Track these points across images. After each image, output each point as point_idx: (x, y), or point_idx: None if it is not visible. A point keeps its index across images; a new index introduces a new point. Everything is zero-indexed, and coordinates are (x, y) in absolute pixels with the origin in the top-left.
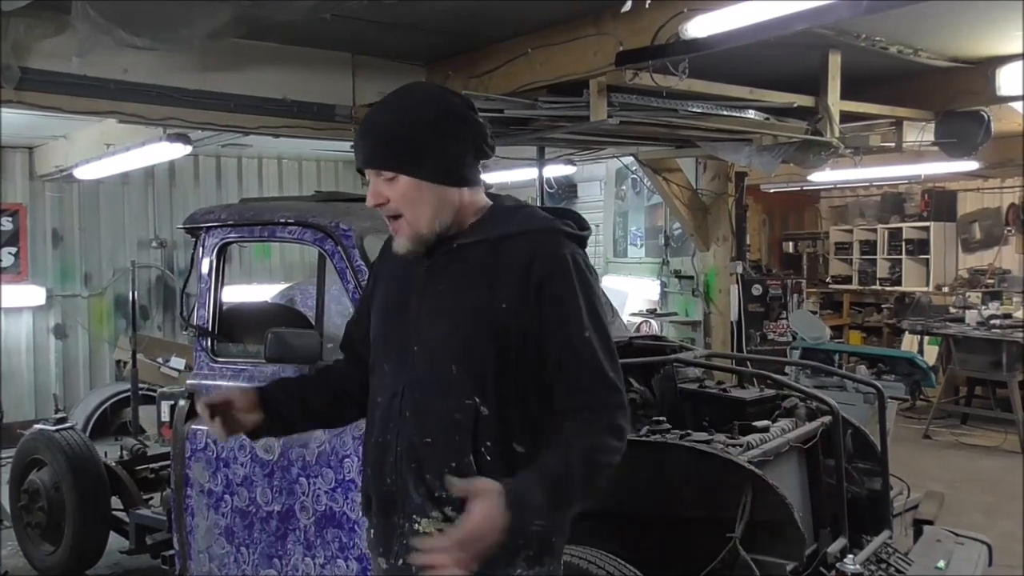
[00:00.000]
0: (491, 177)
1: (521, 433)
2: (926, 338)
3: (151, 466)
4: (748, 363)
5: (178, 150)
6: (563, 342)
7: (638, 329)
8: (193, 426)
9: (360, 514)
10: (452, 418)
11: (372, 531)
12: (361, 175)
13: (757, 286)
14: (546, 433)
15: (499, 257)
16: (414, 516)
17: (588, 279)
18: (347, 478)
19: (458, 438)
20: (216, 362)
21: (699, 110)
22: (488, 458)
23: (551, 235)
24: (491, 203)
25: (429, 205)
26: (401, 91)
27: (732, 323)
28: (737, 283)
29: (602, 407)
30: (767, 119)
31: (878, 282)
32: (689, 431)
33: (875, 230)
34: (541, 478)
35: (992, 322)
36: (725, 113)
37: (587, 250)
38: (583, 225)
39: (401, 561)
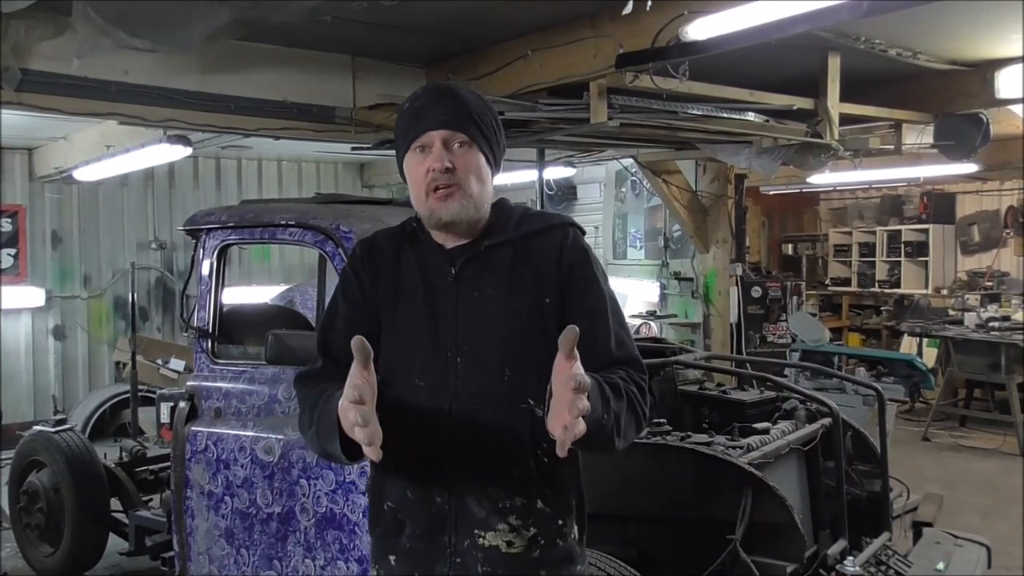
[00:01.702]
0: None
1: None
2: (925, 340)
3: (151, 468)
4: (748, 365)
5: (178, 152)
6: (593, 317)
7: (637, 331)
8: (193, 428)
9: (361, 516)
10: (509, 425)
11: (395, 558)
12: (398, 150)
13: (756, 288)
14: None
15: (529, 255)
16: (476, 531)
17: (603, 270)
18: (347, 480)
19: (516, 444)
20: (216, 364)
21: (699, 112)
22: (546, 460)
23: (570, 228)
24: (492, 206)
25: (486, 185)
26: (456, 84)
27: (731, 325)
28: (736, 285)
29: (637, 375)
30: (767, 121)
31: (877, 284)
32: (689, 433)
33: (874, 232)
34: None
35: (991, 324)
36: (725, 115)
37: None
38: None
39: None
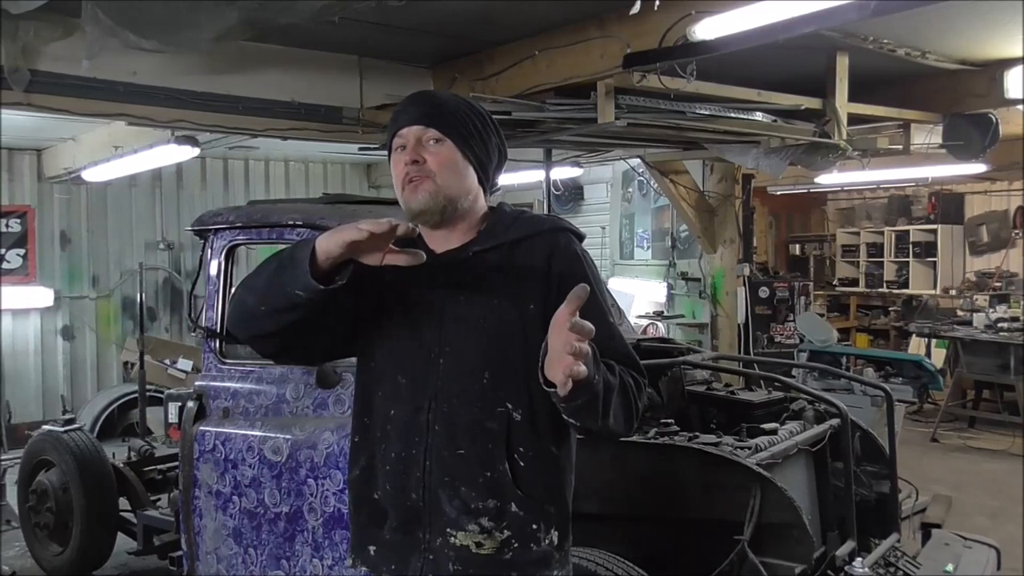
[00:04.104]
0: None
1: (554, 435)
2: (933, 341)
3: (159, 467)
4: (755, 365)
5: (186, 152)
6: (587, 317)
7: (644, 331)
8: (201, 427)
9: None
10: (484, 427)
11: (375, 548)
12: (388, 153)
13: (764, 288)
14: (574, 435)
15: (516, 260)
16: (448, 530)
17: (598, 275)
18: None
19: (491, 447)
20: (224, 363)
21: (706, 112)
22: (522, 464)
23: (562, 233)
24: (490, 211)
25: (462, 179)
26: (439, 91)
27: (739, 325)
28: (744, 285)
29: (634, 372)
30: (775, 121)
31: (885, 285)
32: (697, 433)
33: (882, 232)
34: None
35: (999, 325)
36: (732, 115)
37: (591, 252)
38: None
39: None
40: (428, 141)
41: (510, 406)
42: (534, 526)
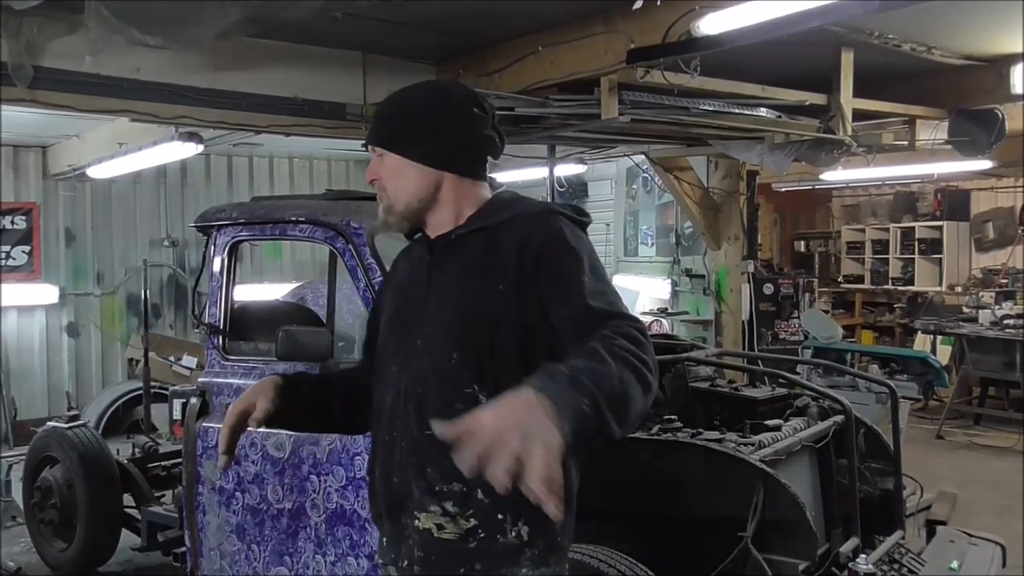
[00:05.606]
0: (502, 176)
1: None
2: (939, 338)
3: (163, 464)
4: (760, 362)
5: (190, 149)
6: (565, 278)
7: (649, 328)
8: (205, 424)
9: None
10: (452, 408)
11: (384, 539)
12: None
13: (768, 285)
14: None
15: (497, 242)
16: (414, 512)
17: (583, 241)
18: (358, 476)
19: None
20: (228, 360)
21: (711, 108)
22: None
23: (545, 215)
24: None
25: (409, 182)
26: (413, 84)
27: (743, 322)
28: (748, 282)
29: (617, 327)
30: (779, 117)
31: (890, 282)
32: (701, 430)
33: (887, 229)
34: (556, 369)
35: (1005, 322)
36: (737, 111)
37: (595, 248)
38: (581, 213)
39: (415, 568)
40: (378, 157)
41: (476, 387)
42: (500, 516)
